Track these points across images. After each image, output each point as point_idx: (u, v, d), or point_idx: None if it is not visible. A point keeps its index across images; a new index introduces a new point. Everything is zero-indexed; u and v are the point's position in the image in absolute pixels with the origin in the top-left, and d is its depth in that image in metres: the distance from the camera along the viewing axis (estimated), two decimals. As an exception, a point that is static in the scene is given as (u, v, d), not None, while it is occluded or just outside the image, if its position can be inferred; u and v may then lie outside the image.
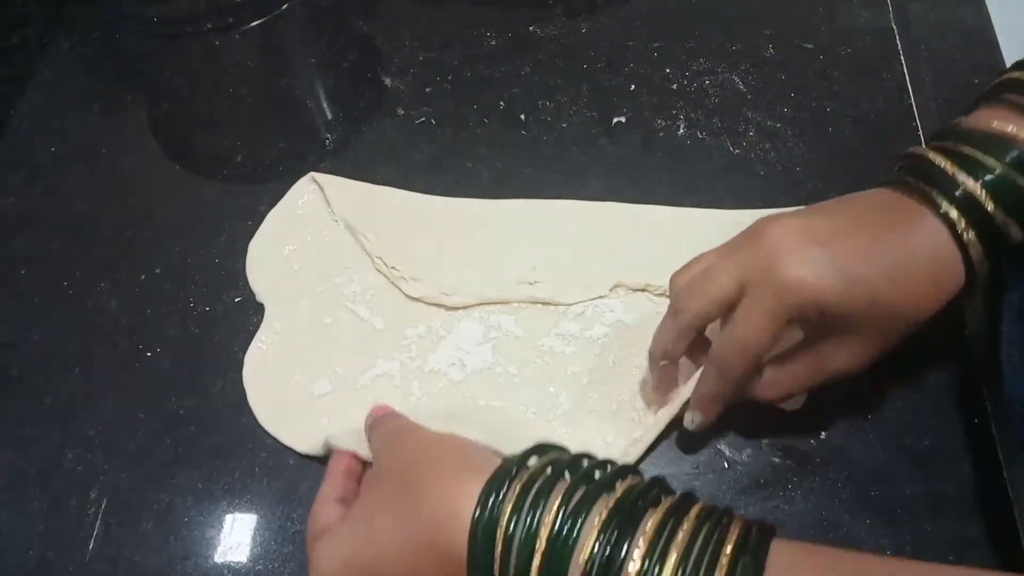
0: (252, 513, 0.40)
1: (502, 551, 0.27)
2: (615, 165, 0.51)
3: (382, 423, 0.38)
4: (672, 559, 0.26)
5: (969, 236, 0.33)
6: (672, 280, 0.38)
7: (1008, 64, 0.39)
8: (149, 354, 0.46)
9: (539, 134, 0.53)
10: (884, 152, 0.49)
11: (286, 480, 0.41)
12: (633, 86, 0.55)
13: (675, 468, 0.40)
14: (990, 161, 0.33)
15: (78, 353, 0.46)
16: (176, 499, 0.41)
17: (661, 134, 0.53)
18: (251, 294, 0.47)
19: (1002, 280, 0.38)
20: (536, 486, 0.29)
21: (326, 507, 0.35)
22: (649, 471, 0.40)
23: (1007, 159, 0.33)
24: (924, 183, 0.35)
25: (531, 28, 0.59)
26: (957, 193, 0.34)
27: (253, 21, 0.61)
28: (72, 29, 0.63)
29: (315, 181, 0.51)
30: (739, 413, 0.41)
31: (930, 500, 0.38)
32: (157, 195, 0.53)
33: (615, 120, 0.54)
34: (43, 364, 0.46)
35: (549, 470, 0.30)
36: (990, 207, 0.33)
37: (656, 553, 0.26)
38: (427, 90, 0.56)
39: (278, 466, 0.42)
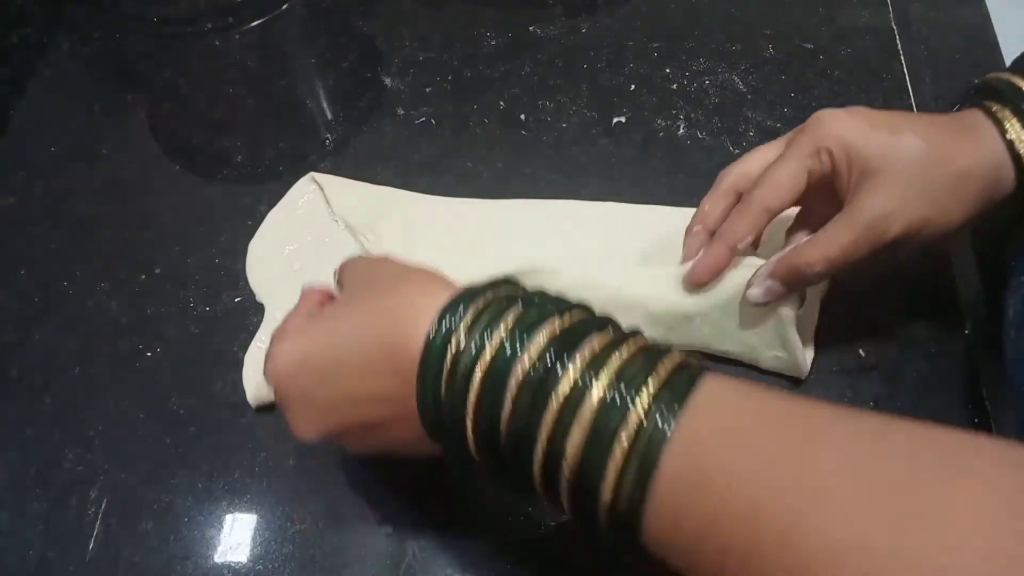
0: (252, 513, 0.40)
1: (452, 360, 0.28)
2: (615, 165, 0.51)
3: (353, 261, 0.37)
4: (607, 374, 0.26)
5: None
6: None
7: (1008, 64, 0.39)
8: (149, 354, 0.46)
9: (539, 134, 0.53)
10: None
11: (286, 480, 0.41)
12: (633, 86, 0.55)
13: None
14: None
15: (78, 353, 0.46)
16: (176, 499, 0.41)
17: (661, 134, 0.53)
18: (251, 294, 0.47)
19: (1007, 269, 0.38)
20: (493, 308, 0.29)
21: (296, 317, 0.34)
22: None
23: None
24: (990, 100, 0.36)
25: (531, 28, 0.59)
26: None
27: (253, 21, 0.61)
28: (72, 29, 0.63)
29: (315, 181, 0.51)
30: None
31: (930, 500, 0.38)
32: (157, 195, 0.53)
33: (615, 120, 0.54)
34: (43, 364, 0.46)
35: (507, 299, 0.30)
36: None
37: (592, 368, 0.26)
38: (427, 90, 0.56)
39: (278, 466, 0.42)
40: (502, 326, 0.28)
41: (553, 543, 0.39)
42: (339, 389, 0.31)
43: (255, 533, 0.40)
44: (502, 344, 0.28)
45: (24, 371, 0.46)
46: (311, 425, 0.32)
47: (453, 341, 0.28)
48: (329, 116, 0.57)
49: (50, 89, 0.60)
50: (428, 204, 0.50)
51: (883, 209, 0.35)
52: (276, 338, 0.33)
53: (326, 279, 0.47)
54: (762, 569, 0.22)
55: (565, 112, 0.54)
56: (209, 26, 0.61)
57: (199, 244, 0.50)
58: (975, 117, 0.36)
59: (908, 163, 0.35)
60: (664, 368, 0.26)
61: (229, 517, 0.40)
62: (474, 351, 0.28)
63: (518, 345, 0.27)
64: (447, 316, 0.29)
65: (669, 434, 0.25)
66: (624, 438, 0.25)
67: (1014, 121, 0.35)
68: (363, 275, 0.34)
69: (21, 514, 0.41)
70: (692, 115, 0.53)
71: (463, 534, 0.39)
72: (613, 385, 0.26)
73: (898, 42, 0.56)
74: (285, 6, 0.62)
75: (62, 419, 0.44)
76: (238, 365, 0.45)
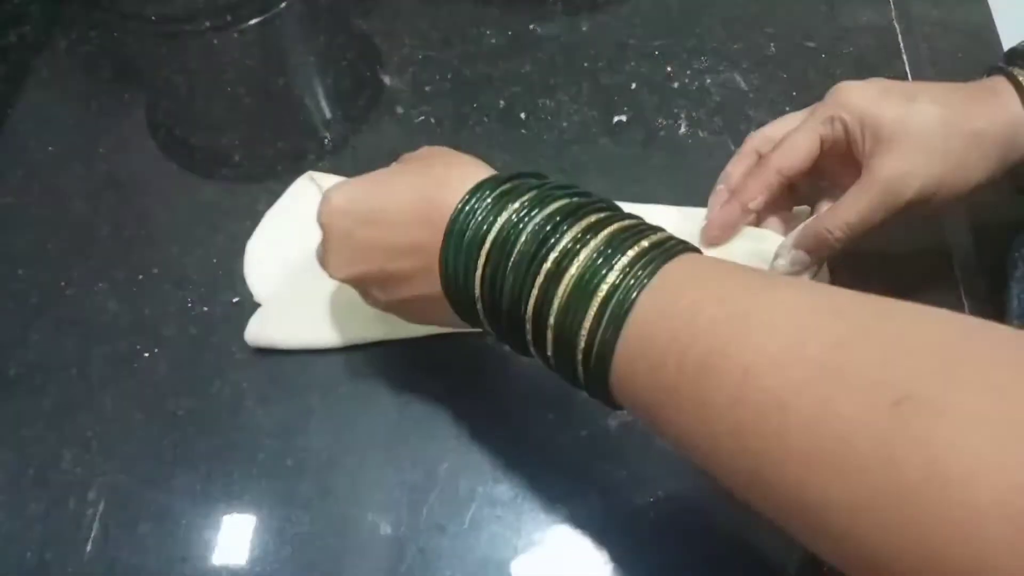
0: (250, 515, 0.40)
1: (475, 224, 0.32)
2: (616, 164, 0.51)
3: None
4: (599, 238, 0.29)
5: None
6: None
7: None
8: (147, 355, 0.45)
9: (539, 133, 0.53)
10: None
11: (284, 482, 0.41)
12: (634, 85, 0.55)
13: (671, 468, 0.40)
14: None
15: (76, 354, 0.46)
16: (174, 500, 0.41)
17: (662, 133, 0.52)
18: (249, 294, 0.47)
19: (1010, 262, 0.39)
20: (517, 189, 0.32)
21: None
22: (646, 466, 0.40)
23: None
24: (1014, 66, 0.37)
25: (531, 26, 0.59)
26: None
27: (251, 19, 0.61)
28: (70, 28, 0.62)
29: (313, 180, 0.51)
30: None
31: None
32: (155, 195, 0.53)
33: (616, 119, 0.53)
34: (41, 365, 0.46)
35: (529, 184, 0.33)
36: None
37: (588, 232, 0.30)
38: (427, 89, 0.56)
39: (276, 467, 0.41)
40: (521, 201, 0.31)
41: (552, 546, 0.38)
42: (378, 234, 0.35)
43: (253, 535, 0.40)
44: (516, 212, 0.31)
45: (22, 371, 0.46)
46: (344, 266, 0.36)
47: (479, 209, 0.32)
48: (328, 115, 0.57)
49: (47, 88, 0.59)
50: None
51: (896, 171, 0.36)
52: (335, 185, 0.37)
53: (325, 278, 0.47)
54: (712, 383, 0.25)
55: (565, 111, 0.54)
56: (207, 24, 0.61)
57: (197, 244, 0.49)
58: (996, 82, 0.37)
59: (921, 126, 0.36)
60: (652, 238, 0.29)
61: (227, 519, 0.40)
62: (491, 219, 0.32)
63: (531, 214, 0.31)
64: (478, 189, 0.33)
65: (639, 291, 0.28)
66: (603, 289, 0.28)
67: None
68: (420, 154, 0.38)
69: (19, 515, 0.41)
70: (693, 114, 0.53)
71: (463, 536, 0.39)
72: (603, 247, 0.29)
73: (900, 40, 0.56)
74: (283, 4, 0.61)
75: (60, 420, 0.44)
76: (236, 365, 0.44)
